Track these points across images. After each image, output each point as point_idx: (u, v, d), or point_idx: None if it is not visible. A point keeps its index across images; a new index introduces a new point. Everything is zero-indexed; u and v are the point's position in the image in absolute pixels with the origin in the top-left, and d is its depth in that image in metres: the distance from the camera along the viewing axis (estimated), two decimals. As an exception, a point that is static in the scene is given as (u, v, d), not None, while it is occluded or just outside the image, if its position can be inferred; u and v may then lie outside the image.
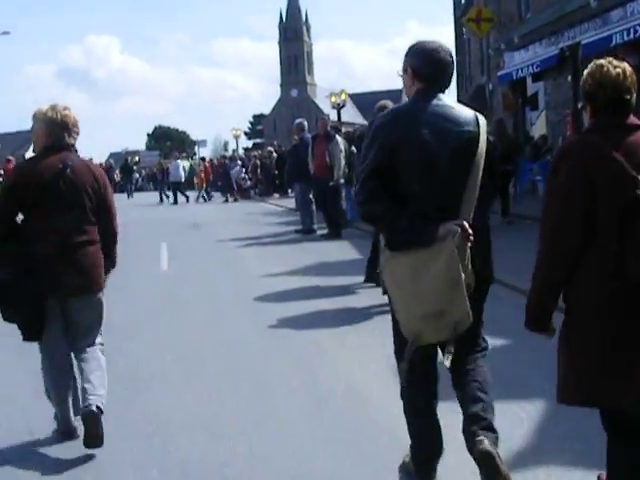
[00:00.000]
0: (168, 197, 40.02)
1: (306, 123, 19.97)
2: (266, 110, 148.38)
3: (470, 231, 4.30)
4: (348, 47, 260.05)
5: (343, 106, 45.38)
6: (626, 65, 4.22)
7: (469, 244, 4.33)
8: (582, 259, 3.92)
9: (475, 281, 4.40)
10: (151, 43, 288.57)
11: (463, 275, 4.27)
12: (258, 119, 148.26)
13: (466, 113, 4.57)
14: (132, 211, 31.81)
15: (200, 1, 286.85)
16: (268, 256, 16.12)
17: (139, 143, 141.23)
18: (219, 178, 42.39)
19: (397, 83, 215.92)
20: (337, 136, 18.93)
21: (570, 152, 4.02)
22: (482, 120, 4.57)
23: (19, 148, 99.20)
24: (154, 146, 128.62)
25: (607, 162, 3.88)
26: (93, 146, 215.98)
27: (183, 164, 40.18)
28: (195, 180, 44.63)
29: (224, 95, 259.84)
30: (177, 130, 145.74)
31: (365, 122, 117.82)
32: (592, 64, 4.18)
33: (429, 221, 4.34)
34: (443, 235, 4.27)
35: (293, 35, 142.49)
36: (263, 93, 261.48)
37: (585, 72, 4.18)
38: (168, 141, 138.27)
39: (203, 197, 40.80)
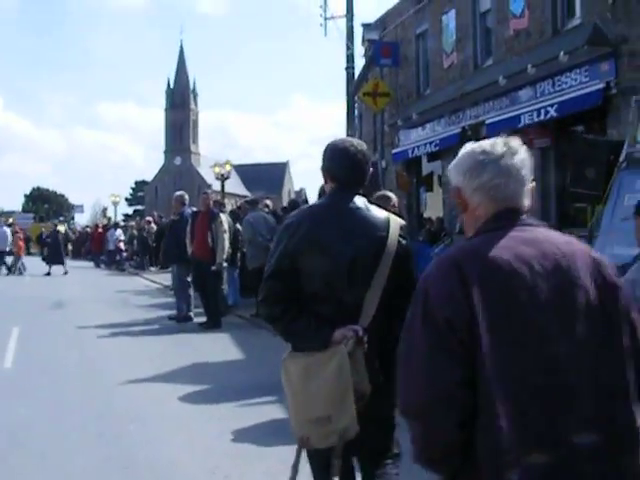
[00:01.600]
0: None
1: (187, 197, 17.59)
2: (149, 177, 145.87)
3: (365, 338, 4.27)
4: (233, 118, 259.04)
5: (227, 177, 44.25)
6: None
7: (362, 350, 4.26)
8: None
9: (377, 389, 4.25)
10: (35, 102, 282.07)
11: (352, 383, 4.19)
12: (140, 185, 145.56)
13: (377, 215, 4.55)
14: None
15: (87, 62, 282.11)
16: (135, 352, 13.62)
17: (16, 204, 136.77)
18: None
19: (281, 156, 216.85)
20: (221, 214, 16.73)
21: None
22: (394, 223, 4.54)
23: None
24: (31, 208, 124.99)
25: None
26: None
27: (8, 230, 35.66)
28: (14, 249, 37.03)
29: (107, 159, 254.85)
30: (55, 193, 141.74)
31: (248, 194, 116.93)
32: None
33: (327, 324, 4.33)
34: (337, 340, 4.26)
35: (180, 102, 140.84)
36: (147, 159, 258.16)
37: None
38: (46, 204, 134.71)
39: (19, 269, 35.82)
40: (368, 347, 4.27)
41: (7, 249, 35.56)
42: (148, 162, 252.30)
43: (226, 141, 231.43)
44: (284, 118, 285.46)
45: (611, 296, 2.89)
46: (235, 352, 13.45)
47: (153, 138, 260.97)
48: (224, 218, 16.47)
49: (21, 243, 36.76)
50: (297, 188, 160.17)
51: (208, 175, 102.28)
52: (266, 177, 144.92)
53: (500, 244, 2.85)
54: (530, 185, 3.04)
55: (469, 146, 3.09)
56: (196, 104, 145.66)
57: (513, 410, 2.66)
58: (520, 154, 3.02)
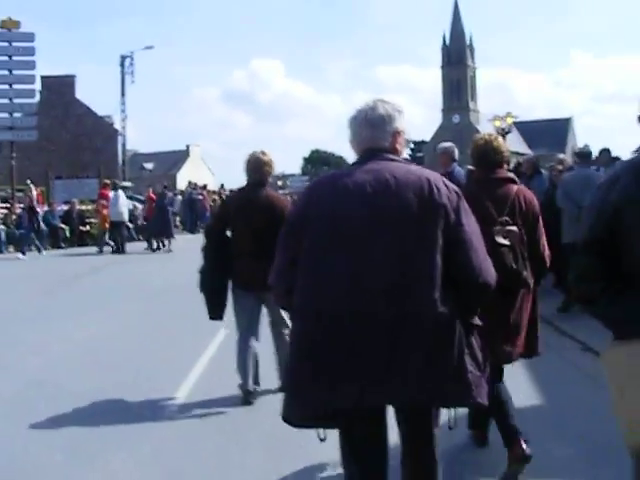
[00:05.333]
0: (39, 249, 29.56)
1: (457, 151, 13.22)
2: (428, 137, 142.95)
3: None
4: (511, 75, 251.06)
5: (508, 132, 40.06)
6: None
7: None
8: None
9: None
10: (315, 68, 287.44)
11: None
12: (419, 145, 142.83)
13: None
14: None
15: (364, 28, 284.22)
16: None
17: (296, 168, 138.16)
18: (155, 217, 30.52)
19: (561, 113, 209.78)
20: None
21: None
22: None
23: (172, 167, 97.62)
24: (309, 170, 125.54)
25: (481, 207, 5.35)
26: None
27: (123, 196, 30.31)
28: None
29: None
30: (333, 155, 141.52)
31: (529, 152, 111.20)
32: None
33: None
34: None
35: (456, 59, 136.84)
36: (425, 119, 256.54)
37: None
38: (325, 166, 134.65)
39: (110, 246, 29.90)
40: None
41: (124, 219, 30.14)
42: (427, 122, 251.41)
43: (504, 99, 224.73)
44: (564, 75, 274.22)
45: (433, 212, 3.97)
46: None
47: (431, 98, 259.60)
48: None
49: (105, 212, 30.71)
50: (581, 145, 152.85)
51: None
52: (548, 133, 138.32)
53: (345, 173, 4.21)
54: (393, 131, 4.29)
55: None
56: (473, 60, 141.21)
57: (314, 280, 4.01)
58: (378, 111, 4.27)
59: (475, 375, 4.02)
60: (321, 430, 4.26)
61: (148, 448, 7.05)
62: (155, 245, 29.86)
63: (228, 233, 8.45)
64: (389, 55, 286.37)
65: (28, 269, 24.84)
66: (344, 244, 3.98)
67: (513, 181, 6.04)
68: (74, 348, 11.36)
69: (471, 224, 4.09)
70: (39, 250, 29.54)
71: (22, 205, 32.56)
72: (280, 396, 7.91)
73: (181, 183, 72.41)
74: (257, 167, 8.39)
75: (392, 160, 4.19)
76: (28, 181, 32.92)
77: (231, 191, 29.16)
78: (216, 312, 8.34)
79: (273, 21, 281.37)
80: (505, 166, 6.14)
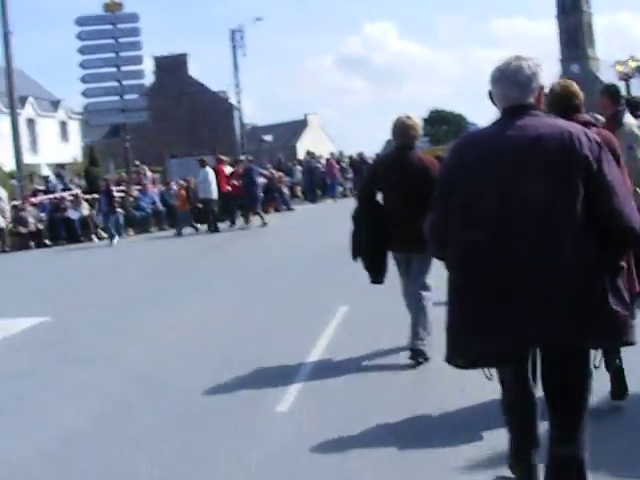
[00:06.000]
0: (115, 235, 27.61)
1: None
2: (546, 89, 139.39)
3: None
4: (627, 18, 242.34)
5: (632, 77, 38.22)
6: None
7: None
8: None
9: None
10: (427, 27, 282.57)
11: None
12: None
13: None
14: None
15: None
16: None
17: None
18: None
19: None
20: (629, 116, 10.18)
21: None
22: None
23: (291, 138, 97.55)
24: (430, 131, 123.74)
25: None
26: (374, 133, 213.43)
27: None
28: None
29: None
30: (453, 113, 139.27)
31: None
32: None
33: None
34: None
35: (571, 5, 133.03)
36: (544, 71, 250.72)
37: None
38: (444, 125, 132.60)
39: (194, 228, 29.24)
40: None
41: (213, 197, 28.63)
42: (546, 74, 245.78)
43: (622, 44, 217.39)
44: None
45: (575, 163, 4.22)
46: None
47: (547, 49, 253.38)
48: (631, 122, 10.16)
49: (183, 192, 30.47)
50: None
51: (609, 80, 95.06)
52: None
53: (493, 129, 4.52)
54: (537, 88, 4.55)
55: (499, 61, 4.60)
56: (588, 5, 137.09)
57: (466, 230, 4.31)
58: (524, 71, 4.50)
59: (622, 315, 4.23)
60: (486, 370, 4.62)
61: (259, 452, 6.29)
62: (250, 220, 28.72)
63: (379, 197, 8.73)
64: (502, 8, 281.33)
65: (144, 251, 24.78)
66: (493, 195, 4.29)
67: (593, 124, 6.12)
68: (184, 335, 10.88)
69: (612, 172, 4.30)
70: (111, 238, 27.47)
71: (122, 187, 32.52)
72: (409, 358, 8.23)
73: (301, 153, 72.14)
74: (403, 131, 8.61)
75: (536, 115, 4.46)
76: (137, 162, 32.83)
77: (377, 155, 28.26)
78: (377, 277, 8.62)
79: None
80: (583, 110, 6.31)
